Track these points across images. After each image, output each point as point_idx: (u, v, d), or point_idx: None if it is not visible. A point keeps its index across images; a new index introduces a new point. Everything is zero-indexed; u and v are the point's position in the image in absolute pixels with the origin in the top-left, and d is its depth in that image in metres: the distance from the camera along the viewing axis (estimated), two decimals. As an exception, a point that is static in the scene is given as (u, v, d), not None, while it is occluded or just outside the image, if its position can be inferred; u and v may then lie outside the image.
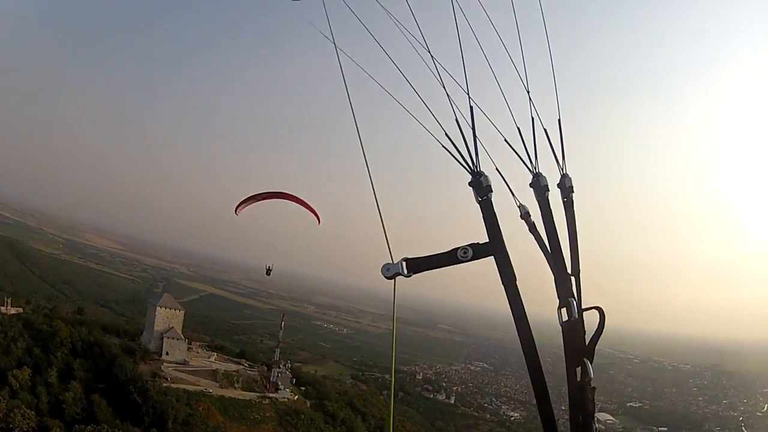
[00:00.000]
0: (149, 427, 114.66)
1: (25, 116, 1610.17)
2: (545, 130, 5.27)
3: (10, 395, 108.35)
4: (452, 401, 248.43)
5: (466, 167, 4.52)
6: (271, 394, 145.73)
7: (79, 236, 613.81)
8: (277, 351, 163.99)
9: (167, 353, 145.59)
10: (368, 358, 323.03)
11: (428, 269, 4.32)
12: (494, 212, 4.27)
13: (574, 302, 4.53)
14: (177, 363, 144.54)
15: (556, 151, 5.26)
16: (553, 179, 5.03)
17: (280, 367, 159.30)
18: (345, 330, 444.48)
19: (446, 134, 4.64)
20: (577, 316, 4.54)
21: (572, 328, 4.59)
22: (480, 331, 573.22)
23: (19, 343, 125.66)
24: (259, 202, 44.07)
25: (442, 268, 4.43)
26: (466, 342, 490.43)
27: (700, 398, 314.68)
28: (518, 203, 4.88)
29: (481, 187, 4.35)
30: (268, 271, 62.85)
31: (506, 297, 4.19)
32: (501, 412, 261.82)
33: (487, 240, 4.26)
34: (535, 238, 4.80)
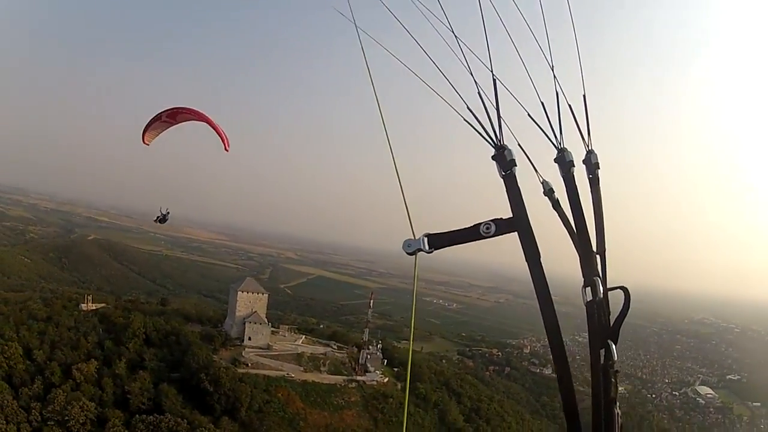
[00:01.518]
0: (221, 415, 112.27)
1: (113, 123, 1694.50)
2: (570, 105, 5.13)
3: (73, 388, 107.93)
4: None
5: (490, 141, 4.47)
6: (358, 377, 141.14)
7: (182, 231, 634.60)
8: (366, 331, 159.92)
9: (249, 338, 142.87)
10: (476, 333, 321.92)
11: (450, 245, 4.30)
12: (518, 187, 4.21)
13: (599, 281, 4.29)
14: (260, 348, 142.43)
15: (581, 127, 5.07)
16: (577, 156, 4.83)
17: (369, 348, 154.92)
18: (454, 305, 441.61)
19: (469, 109, 4.60)
20: (601, 295, 4.28)
21: (597, 308, 4.27)
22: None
23: (90, 337, 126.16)
24: (170, 127, 37.45)
25: (464, 244, 4.34)
26: (573, 312, 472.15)
27: None
28: (542, 179, 4.74)
29: (504, 160, 4.29)
30: (161, 219, 51.73)
31: (530, 275, 4.15)
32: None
33: (511, 215, 4.19)
34: (559, 215, 4.67)
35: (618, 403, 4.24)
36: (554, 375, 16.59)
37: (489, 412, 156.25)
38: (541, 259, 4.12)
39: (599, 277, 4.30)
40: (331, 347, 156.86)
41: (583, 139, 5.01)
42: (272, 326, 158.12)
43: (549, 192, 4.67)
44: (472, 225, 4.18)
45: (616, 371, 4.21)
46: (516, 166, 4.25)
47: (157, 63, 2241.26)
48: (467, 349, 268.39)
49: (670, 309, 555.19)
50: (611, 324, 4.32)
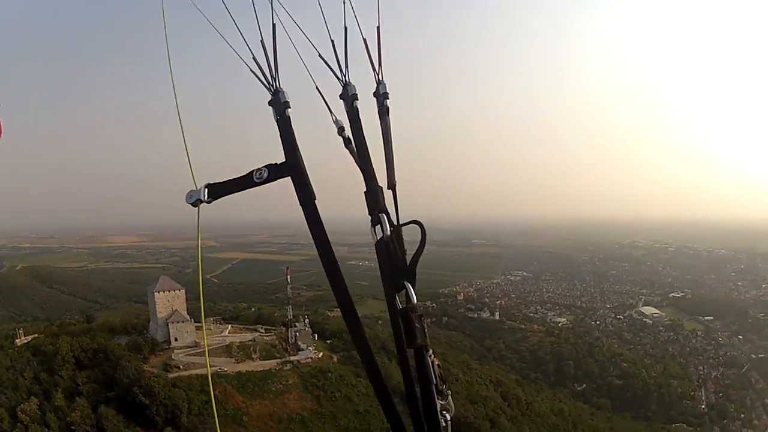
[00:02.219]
0: (164, 426, 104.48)
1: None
2: (364, 39, 4.62)
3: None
4: (497, 317, 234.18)
5: (265, 83, 4.17)
6: (292, 357, 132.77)
7: (103, 241, 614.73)
8: (289, 308, 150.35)
9: (176, 339, 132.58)
10: None
11: (228, 194, 4.11)
12: (291, 130, 4.01)
13: (385, 217, 3.96)
14: (188, 347, 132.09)
15: (373, 59, 4.61)
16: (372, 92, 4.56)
17: (296, 326, 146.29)
18: None
19: (250, 50, 4.19)
20: (389, 232, 3.95)
21: (387, 246, 3.95)
22: (514, 240, 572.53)
23: (26, 373, 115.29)
24: None
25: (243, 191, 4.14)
26: (502, 253, 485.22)
27: (740, 283, 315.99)
28: (334, 118, 4.41)
29: (278, 104, 4.07)
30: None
31: (305, 219, 3.89)
32: (548, 320, 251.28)
33: (284, 160, 3.99)
34: (351, 153, 4.33)
35: (431, 351, 4.00)
36: (492, 317, 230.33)
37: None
38: (316, 200, 4.10)
39: (386, 212, 4.14)
40: (259, 331, 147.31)
41: (373, 69, 4.77)
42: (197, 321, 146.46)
43: (340, 131, 4.52)
44: (248, 172, 4.16)
45: (421, 315, 3.98)
46: (289, 107, 4.18)
47: None
48: None
49: (598, 237, 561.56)
50: (407, 263, 4.12)
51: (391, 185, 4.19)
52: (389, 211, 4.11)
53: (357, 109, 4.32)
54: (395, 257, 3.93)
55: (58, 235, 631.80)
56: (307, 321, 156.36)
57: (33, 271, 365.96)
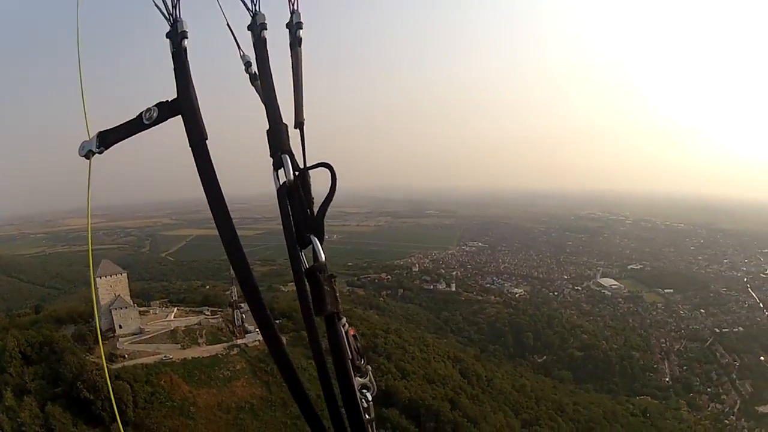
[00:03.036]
0: (111, 422, 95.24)
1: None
2: None
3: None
4: (453, 288, 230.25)
5: (164, 13, 3.77)
6: (239, 341, 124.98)
7: (60, 225, 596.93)
8: (233, 289, 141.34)
9: (120, 326, 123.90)
10: (362, 260, 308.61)
11: (119, 140, 3.72)
12: (187, 64, 3.65)
13: (288, 159, 3.44)
14: (133, 334, 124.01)
15: None
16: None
17: (242, 307, 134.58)
18: (335, 236, 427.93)
19: None
20: (292, 177, 3.41)
21: (289, 192, 3.42)
22: (469, 210, 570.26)
23: None
24: None
25: (136, 135, 3.71)
26: (457, 224, 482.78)
27: (700, 257, 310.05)
28: (241, 53, 4.07)
29: (175, 35, 3.72)
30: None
31: (194, 161, 3.44)
32: (505, 291, 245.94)
33: (176, 96, 3.61)
34: (256, 90, 3.92)
35: (344, 319, 3.48)
36: (449, 289, 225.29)
37: (387, 346, 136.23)
38: (207, 141, 3.61)
39: (290, 153, 3.58)
40: (205, 314, 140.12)
41: None
42: (144, 304, 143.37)
43: (247, 66, 4.23)
44: (137, 114, 3.82)
45: (331, 276, 3.40)
46: (186, 38, 3.88)
47: None
48: (356, 278, 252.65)
49: (553, 208, 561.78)
50: (315, 213, 3.56)
51: (299, 124, 3.73)
52: (295, 153, 3.62)
53: (264, 39, 3.89)
54: (300, 207, 3.42)
55: (16, 222, 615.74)
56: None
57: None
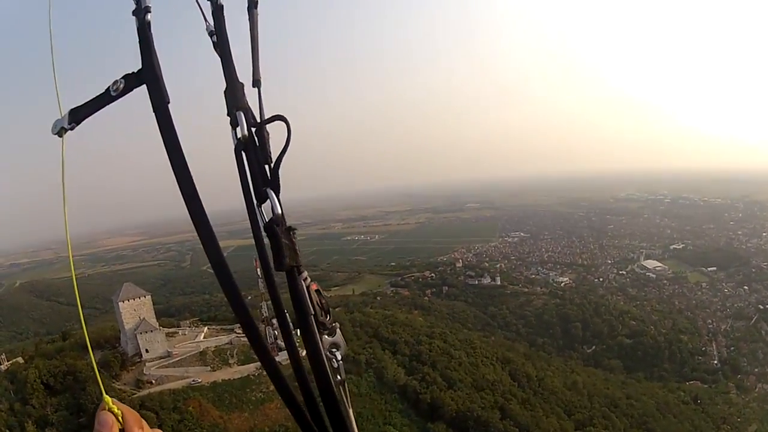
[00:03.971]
0: None
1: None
2: None
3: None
4: (498, 282, 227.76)
5: None
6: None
7: (98, 246, 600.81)
8: (263, 305, 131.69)
9: (147, 350, 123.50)
10: (405, 259, 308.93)
11: (90, 114, 3.41)
12: (149, 33, 3.38)
13: (242, 114, 3.24)
14: (161, 358, 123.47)
15: None
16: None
17: (274, 323, 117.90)
18: (376, 236, 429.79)
19: None
20: (246, 132, 3.21)
21: (245, 146, 3.23)
22: (507, 200, 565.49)
23: (2, 405, 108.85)
24: None
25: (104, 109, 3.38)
26: (497, 215, 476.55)
27: (740, 232, 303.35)
28: (205, 18, 3.71)
29: (140, 10, 3.42)
30: None
31: (158, 129, 3.17)
32: (550, 281, 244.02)
33: (141, 67, 3.35)
34: (219, 55, 3.55)
35: (305, 273, 3.20)
36: (494, 282, 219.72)
37: (432, 353, 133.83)
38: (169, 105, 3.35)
39: (247, 109, 3.40)
40: (236, 332, 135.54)
41: None
42: (175, 324, 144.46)
43: (210, 34, 3.84)
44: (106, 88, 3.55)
45: (290, 229, 3.19)
46: (150, 12, 3.56)
47: None
48: (400, 278, 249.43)
49: (591, 191, 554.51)
50: (271, 166, 3.37)
51: (256, 82, 3.53)
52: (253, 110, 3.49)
53: (221, 5, 3.65)
54: (256, 161, 3.25)
55: (54, 246, 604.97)
56: (287, 314, 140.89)
57: (30, 286, 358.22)
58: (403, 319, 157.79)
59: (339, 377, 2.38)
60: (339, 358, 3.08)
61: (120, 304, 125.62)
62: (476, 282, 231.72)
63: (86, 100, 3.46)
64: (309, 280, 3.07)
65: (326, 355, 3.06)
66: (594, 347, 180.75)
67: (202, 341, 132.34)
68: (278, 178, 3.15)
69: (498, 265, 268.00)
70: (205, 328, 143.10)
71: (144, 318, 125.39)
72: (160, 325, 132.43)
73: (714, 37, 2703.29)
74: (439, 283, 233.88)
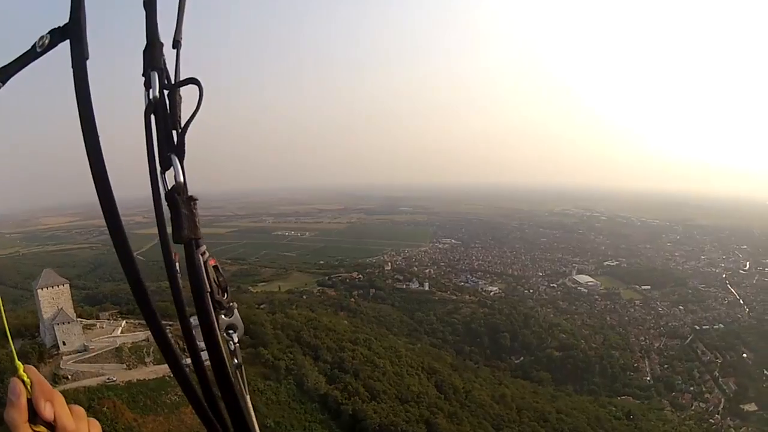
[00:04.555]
0: None
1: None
2: None
3: None
4: (427, 287, 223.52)
5: None
6: (190, 360, 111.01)
7: (36, 224, 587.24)
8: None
9: (63, 343, 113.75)
10: (334, 258, 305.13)
11: (17, 71, 3.09)
12: None
13: (156, 75, 2.88)
14: (77, 352, 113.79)
15: None
16: None
17: (192, 320, 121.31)
18: (307, 233, 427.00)
19: None
20: (158, 94, 2.84)
21: (155, 109, 2.86)
22: (442, 207, 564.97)
23: None
24: None
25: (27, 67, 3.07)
26: (430, 221, 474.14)
27: (677, 254, 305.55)
28: None
29: None
30: None
31: (74, 84, 2.75)
32: (479, 289, 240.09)
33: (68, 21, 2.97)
34: (144, 9, 3.09)
35: (203, 246, 2.86)
36: (422, 288, 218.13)
37: (355, 361, 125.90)
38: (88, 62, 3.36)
39: (162, 70, 3.03)
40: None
41: None
42: (93, 317, 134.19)
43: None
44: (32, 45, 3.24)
45: (191, 198, 2.84)
46: None
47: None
48: (327, 278, 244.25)
49: (528, 203, 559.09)
50: (179, 131, 3.01)
51: (176, 43, 3.19)
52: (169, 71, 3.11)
53: None
54: (164, 125, 2.93)
55: None
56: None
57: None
58: (327, 323, 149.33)
59: (236, 361, 2.49)
60: (236, 340, 2.90)
61: (39, 291, 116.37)
62: (404, 286, 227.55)
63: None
64: (207, 254, 2.82)
65: (223, 337, 2.85)
66: (522, 358, 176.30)
67: (118, 336, 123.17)
68: (184, 144, 2.88)
69: (427, 271, 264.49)
70: (123, 322, 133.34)
71: (62, 308, 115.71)
72: (80, 315, 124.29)
73: (683, 58, 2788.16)
74: (366, 285, 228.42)
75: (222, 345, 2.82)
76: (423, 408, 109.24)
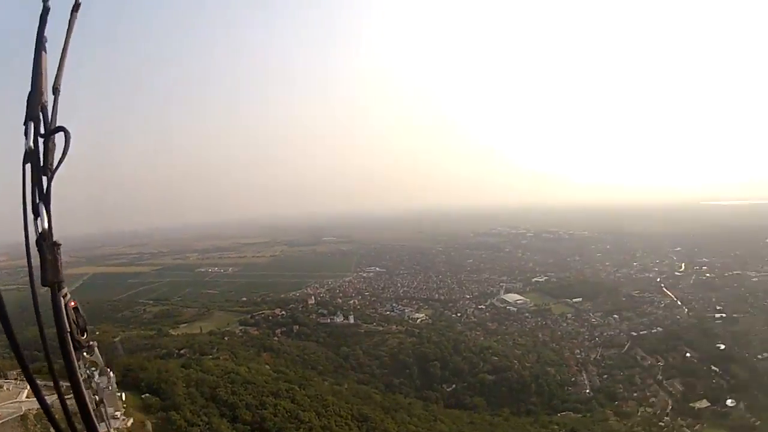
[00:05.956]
0: None
1: None
2: None
3: None
4: (352, 320, 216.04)
5: None
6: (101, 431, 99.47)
7: None
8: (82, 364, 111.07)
9: None
10: (257, 294, 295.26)
11: None
12: None
13: (32, 125, 3.25)
14: None
15: None
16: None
17: (94, 383, 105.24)
18: (230, 269, 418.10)
19: None
20: (32, 145, 3.20)
21: (30, 156, 3.20)
22: (365, 235, 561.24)
23: None
24: None
25: None
26: (354, 249, 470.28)
27: (608, 263, 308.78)
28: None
29: None
30: None
31: None
32: (405, 317, 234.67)
33: None
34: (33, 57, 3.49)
35: (65, 289, 3.30)
36: (347, 321, 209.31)
37: (277, 419, 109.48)
38: None
39: (40, 120, 3.42)
40: (63, 387, 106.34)
41: None
42: (7, 368, 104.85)
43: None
44: None
45: (56, 244, 3.32)
46: None
47: None
48: (249, 316, 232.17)
49: (453, 226, 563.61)
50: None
51: (55, 90, 3.45)
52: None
53: (48, 9, 3.62)
54: (37, 174, 3.17)
55: None
56: (112, 376, 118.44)
57: None
58: (246, 375, 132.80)
59: (97, 397, 2.94)
60: (97, 377, 3.21)
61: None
62: (329, 320, 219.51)
63: None
64: (68, 296, 3.09)
65: (86, 375, 2.97)
66: (454, 386, 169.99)
67: (23, 401, 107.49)
68: (50, 191, 3.07)
69: (351, 302, 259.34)
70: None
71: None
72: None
73: (573, 84, 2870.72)
74: (289, 322, 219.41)
75: (80, 382, 2.99)
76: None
